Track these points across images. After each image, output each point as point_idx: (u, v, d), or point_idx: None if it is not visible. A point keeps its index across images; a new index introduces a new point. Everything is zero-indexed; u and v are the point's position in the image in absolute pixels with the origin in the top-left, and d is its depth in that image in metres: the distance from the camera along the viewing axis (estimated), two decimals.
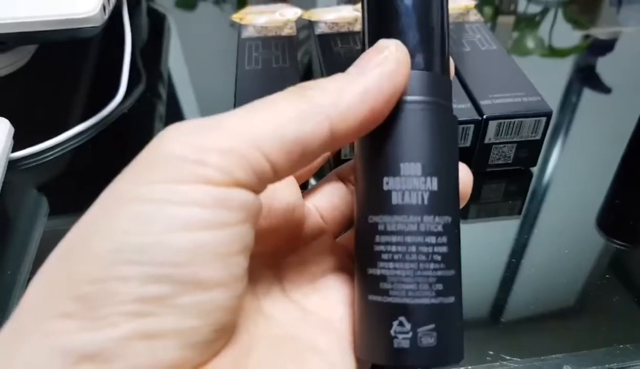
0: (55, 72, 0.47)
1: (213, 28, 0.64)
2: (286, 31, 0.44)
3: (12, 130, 0.38)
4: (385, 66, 0.17)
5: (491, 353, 0.29)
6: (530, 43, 0.70)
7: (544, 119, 0.36)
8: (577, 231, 0.36)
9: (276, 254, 0.21)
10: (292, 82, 0.40)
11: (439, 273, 0.18)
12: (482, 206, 0.38)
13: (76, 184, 0.40)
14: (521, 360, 0.29)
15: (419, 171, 0.18)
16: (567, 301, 0.33)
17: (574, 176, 0.40)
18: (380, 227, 0.18)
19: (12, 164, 0.39)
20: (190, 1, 0.70)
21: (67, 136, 0.41)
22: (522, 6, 0.72)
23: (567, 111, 0.48)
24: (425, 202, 0.18)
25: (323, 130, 0.16)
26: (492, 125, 0.36)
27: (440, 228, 0.18)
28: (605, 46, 0.67)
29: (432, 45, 0.18)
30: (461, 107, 0.36)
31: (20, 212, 0.38)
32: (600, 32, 0.68)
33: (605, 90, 0.58)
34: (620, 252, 0.35)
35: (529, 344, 0.30)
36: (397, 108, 0.18)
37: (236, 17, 0.47)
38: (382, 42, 0.17)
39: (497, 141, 0.36)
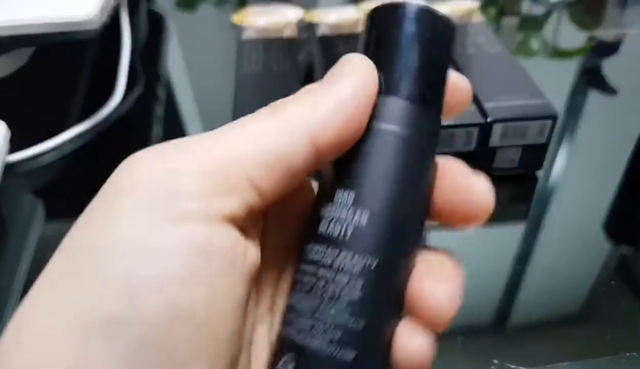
0: (52, 73, 0.46)
1: (213, 29, 0.64)
2: (287, 33, 0.44)
3: (9, 133, 0.38)
4: (355, 75, 0.16)
5: (496, 361, 0.28)
6: (534, 44, 0.69)
7: (549, 122, 0.35)
8: (584, 236, 0.36)
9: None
10: (293, 85, 0.39)
11: (341, 320, 0.15)
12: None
13: (73, 188, 0.40)
14: None
15: (350, 201, 0.16)
16: (572, 308, 0.32)
17: (580, 180, 0.40)
18: (304, 254, 0.17)
19: (8, 168, 0.38)
20: (191, 1, 0.69)
21: (63, 139, 0.41)
22: (526, 7, 0.72)
23: (573, 112, 0.47)
24: (347, 236, 0.16)
25: (304, 142, 0.15)
26: (497, 128, 0.35)
27: (357, 269, 0.16)
28: (610, 48, 0.66)
29: (424, 77, 0.17)
30: (465, 110, 0.35)
31: (17, 216, 0.38)
32: (605, 33, 0.67)
33: (611, 91, 0.58)
34: (627, 258, 0.34)
35: (533, 353, 0.29)
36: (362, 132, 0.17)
37: (237, 18, 0.46)
38: (348, 55, 0.17)
39: (503, 145, 0.36)
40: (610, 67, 0.58)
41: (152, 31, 0.62)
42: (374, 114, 0.17)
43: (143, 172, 0.14)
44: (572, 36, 0.65)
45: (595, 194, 0.38)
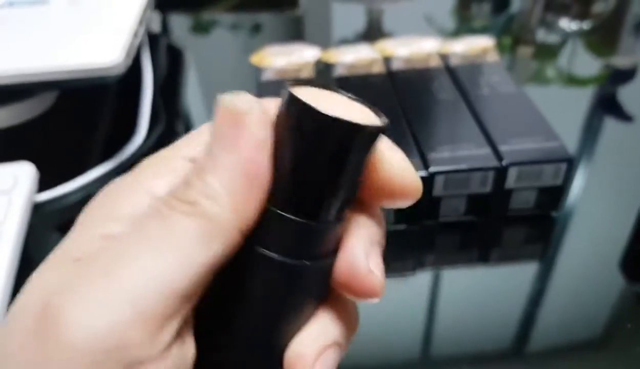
0: (77, 114, 0.48)
1: (228, 56, 0.65)
2: (304, 74, 0.45)
3: (37, 174, 0.39)
4: (252, 136, 0.15)
5: None
6: (550, 72, 0.70)
7: (564, 165, 0.35)
8: (599, 276, 0.36)
9: None
10: None
11: None
12: (503, 250, 0.38)
13: None
14: None
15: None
16: (587, 348, 0.32)
17: (596, 217, 0.40)
18: None
19: (36, 207, 0.40)
20: (204, 25, 0.71)
21: (89, 178, 0.42)
22: (540, 36, 0.72)
23: (589, 143, 0.48)
24: None
25: (231, 235, 0.15)
26: (513, 171, 0.35)
27: None
28: (626, 75, 0.67)
29: (313, 189, 0.16)
30: (481, 153, 0.36)
31: (45, 254, 0.39)
32: (620, 61, 0.68)
33: (628, 118, 0.58)
34: None
35: None
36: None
37: (255, 59, 0.48)
38: (230, 105, 0.16)
39: (518, 187, 0.36)
40: (626, 94, 0.58)
41: (171, 65, 0.63)
42: (256, 232, 0.16)
43: (78, 325, 0.14)
44: (587, 64, 0.65)
45: (612, 232, 0.38)
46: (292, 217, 0.16)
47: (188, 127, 0.54)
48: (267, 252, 0.16)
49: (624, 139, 0.51)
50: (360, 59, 0.46)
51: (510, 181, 0.36)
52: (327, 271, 0.17)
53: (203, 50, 0.67)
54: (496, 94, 0.41)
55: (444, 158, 0.36)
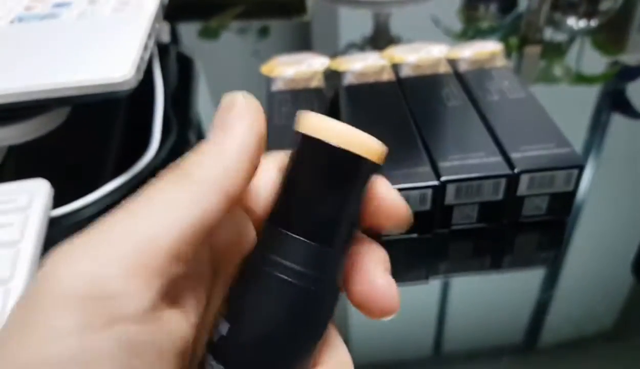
0: (90, 128, 0.48)
1: (237, 63, 0.65)
2: (314, 83, 0.45)
3: (52, 191, 0.39)
4: (244, 120, 0.17)
5: None
6: (557, 71, 0.69)
7: (576, 171, 0.35)
8: (612, 279, 0.36)
9: None
10: None
11: None
12: (515, 256, 0.38)
13: None
14: None
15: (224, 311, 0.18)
16: (601, 354, 0.32)
17: (607, 219, 0.40)
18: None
19: (52, 222, 0.40)
20: (213, 30, 0.71)
21: (104, 192, 0.42)
22: (548, 35, 0.72)
23: (597, 142, 0.48)
24: (214, 340, 0.17)
25: (220, 200, 0.16)
26: (524, 178, 0.35)
27: None
28: (634, 72, 0.67)
29: (321, 215, 0.17)
30: (492, 161, 0.36)
31: None
32: (628, 58, 0.67)
33: (637, 115, 0.58)
34: None
35: None
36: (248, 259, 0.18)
37: (265, 69, 0.48)
38: (229, 98, 0.18)
39: (530, 194, 0.36)
40: (634, 91, 0.58)
41: (182, 74, 0.64)
42: (266, 248, 0.17)
43: (67, 275, 0.14)
44: (594, 62, 0.65)
45: (624, 235, 0.38)
46: (301, 238, 0.17)
47: (200, 136, 0.54)
48: (274, 271, 0.17)
49: (632, 137, 0.51)
50: (369, 67, 0.46)
51: (522, 188, 0.36)
52: (331, 295, 0.18)
53: (212, 59, 0.67)
54: (506, 99, 0.41)
55: (455, 166, 0.36)
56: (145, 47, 0.44)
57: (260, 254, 0.17)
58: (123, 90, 0.40)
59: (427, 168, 0.36)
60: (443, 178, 0.35)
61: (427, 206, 0.36)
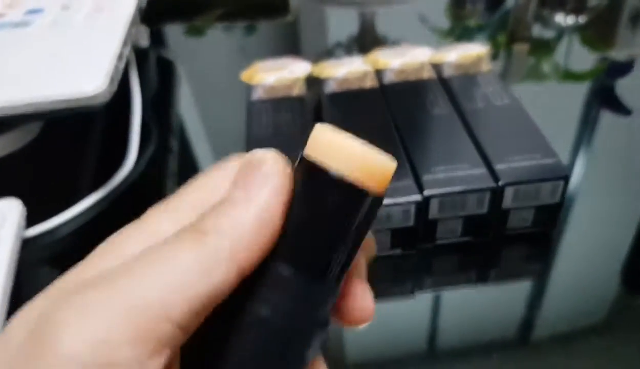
0: (64, 142, 0.47)
1: (222, 64, 0.64)
2: (296, 91, 0.44)
3: (24, 210, 0.38)
4: (269, 184, 0.16)
5: None
6: (546, 68, 0.69)
7: (561, 182, 0.35)
8: (600, 288, 0.35)
9: None
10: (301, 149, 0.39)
11: None
12: (501, 270, 0.38)
13: None
14: None
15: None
16: (590, 364, 0.32)
17: (596, 224, 0.39)
18: None
19: (26, 243, 0.39)
20: (199, 28, 0.70)
21: (80, 209, 0.41)
22: (536, 31, 0.71)
23: (586, 140, 0.47)
24: None
25: (231, 274, 0.15)
26: (509, 191, 0.35)
27: None
28: (623, 68, 0.66)
29: (317, 247, 0.16)
30: (476, 173, 0.35)
31: (36, 290, 0.38)
32: (617, 54, 0.67)
33: (626, 111, 0.57)
34: None
35: None
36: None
37: (245, 76, 0.47)
38: (259, 155, 0.17)
39: (515, 206, 0.35)
40: (623, 88, 0.57)
41: (162, 78, 0.62)
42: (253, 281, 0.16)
43: (71, 338, 0.13)
44: (583, 59, 0.64)
45: (612, 243, 0.38)
46: (294, 274, 0.16)
47: (183, 142, 0.53)
48: (264, 311, 0.16)
49: (621, 134, 0.50)
50: (352, 73, 0.45)
51: (507, 200, 0.35)
52: (321, 330, 0.17)
53: (195, 60, 0.66)
54: (491, 107, 0.40)
55: (438, 180, 0.35)
56: (120, 56, 0.42)
57: (246, 289, 0.16)
58: (96, 104, 0.38)
59: (410, 181, 0.35)
60: (426, 192, 0.34)
61: (411, 222, 0.35)
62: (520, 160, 0.36)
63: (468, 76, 0.44)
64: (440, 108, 0.41)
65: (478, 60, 0.45)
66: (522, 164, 0.35)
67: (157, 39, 0.65)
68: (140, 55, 0.58)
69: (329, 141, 0.16)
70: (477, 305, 0.35)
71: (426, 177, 0.35)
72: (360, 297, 0.18)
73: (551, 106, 0.58)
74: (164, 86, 0.61)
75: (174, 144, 0.54)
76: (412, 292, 0.36)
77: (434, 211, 0.35)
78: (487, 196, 0.35)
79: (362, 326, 0.19)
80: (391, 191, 0.34)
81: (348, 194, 0.16)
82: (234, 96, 0.54)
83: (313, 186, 0.16)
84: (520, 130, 0.38)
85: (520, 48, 0.71)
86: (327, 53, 0.66)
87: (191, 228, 0.16)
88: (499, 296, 0.36)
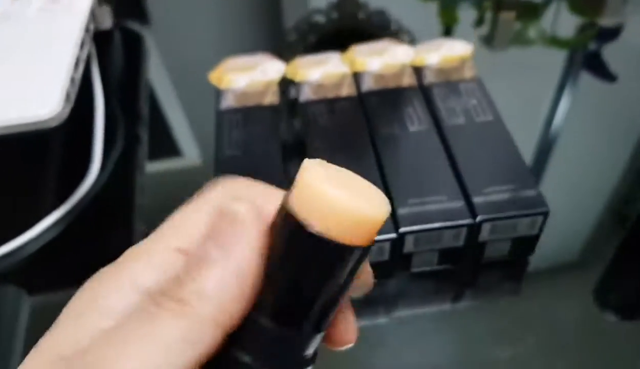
0: (20, 158, 0.44)
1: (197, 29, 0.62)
2: (268, 98, 0.41)
3: None
4: (245, 240, 0.16)
5: None
6: (532, 33, 0.67)
7: (540, 217, 0.34)
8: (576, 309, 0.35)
9: None
10: (275, 167, 0.37)
11: None
12: (477, 293, 0.37)
13: (58, 275, 0.39)
14: None
15: None
16: None
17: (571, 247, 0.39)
18: None
19: None
20: None
21: (43, 227, 0.40)
22: None
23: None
24: None
25: (217, 338, 0.15)
26: (486, 226, 0.34)
27: None
28: (610, 33, 0.65)
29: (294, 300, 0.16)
30: (453, 207, 0.34)
31: (3, 317, 0.38)
32: (605, 21, 0.66)
33: (611, 78, 0.57)
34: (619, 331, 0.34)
35: None
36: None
37: (214, 77, 0.44)
38: (233, 208, 0.16)
39: (492, 239, 0.35)
40: (609, 54, 0.58)
41: (129, 59, 0.59)
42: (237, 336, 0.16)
43: None
44: (570, 25, 0.63)
45: (587, 264, 0.38)
46: (275, 326, 0.16)
47: (155, 128, 0.51)
48: (246, 358, 0.16)
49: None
50: (328, 76, 0.43)
51: (484, 234, 0.34)
52: None
53: (169, 25, 0.63)
54: (472, 123, 0.38)
55: (414, 214, 0.34)
56: (77, 64, 0.39)
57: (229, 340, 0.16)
58: (52, 125, 0.36)
59: None
60: (401, 230, 0.33)
61: (386, 256, 0.34)
62: (499, 192, 0.34)
63: (450, 84, 0.41)
64: (420, 124, 0.39)
65: (461, 64, 0.43)
66: (500, 196, 0.34)
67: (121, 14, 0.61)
68: (103, 38, 0.54)
69: (315, 193, 0.15)
70: (450, 327, 0.35)
71: (402, 211, 0.34)
72: (344, 323, 0.18)
73: (536, 70, 0.57)
74: (131, 68, 0.58)
75: (144, 133, 0.51)
76: (385, 315, 0.36)
77: (409, 246, 0.34)
78: (464, 231, 0.34)
79: (345, 348, 0.19)
80: None
81: (333, 252, 0.15)
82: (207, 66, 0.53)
83: (296, 241, 0.15)
84: (501, 154, 0.37)
85: (507, 16, 0.69)
86: (305, 20, 0.63)
87: (170, 297, 0.16)
88: (475, 317, 0.36)
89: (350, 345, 0.19)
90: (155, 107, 0.54)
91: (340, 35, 0.59)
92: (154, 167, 0.49)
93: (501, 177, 0.35)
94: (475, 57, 0.44)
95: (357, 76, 0.43)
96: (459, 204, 0.34)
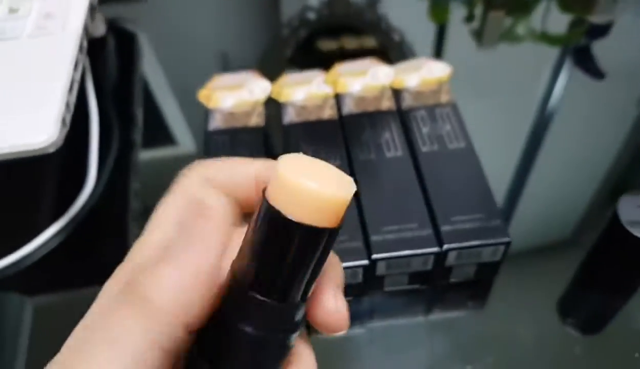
0: (17, 171, 0.46)
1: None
2: (254, 120, 0.44)
3: None
4: (211, 234, 0.18)
5: None
6: (521, 30, 0.68)
7: (502, 246, 0.36)
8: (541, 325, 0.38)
9: None
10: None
11: None
12: (445, 309, 0.40)
13: (60, 285, 0.42)
14: None
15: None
16: None
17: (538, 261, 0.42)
18: None
19: None
20: None
21: (43, 239, 0.42)
22: None
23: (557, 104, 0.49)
24: None
25: (179, 334, 0.17)
26: (452, 254, 0.36)
27: None
28: (599, 30, 0.66)
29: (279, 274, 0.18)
30: (423, 235, 0.37)
31: (7, 323, 0.40)
32: (595, 19, 0.67)
33: (599, 75, 0.59)
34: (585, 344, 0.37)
35: None
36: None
37: (203, 95, 0.46)
38: (203, 202, 0.18)
39: (458, 264, 0.37)
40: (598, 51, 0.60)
41: (122, 60, 0.60)
42: (234, 308, 0.18)
43: None
44: (560, 23, 0.65)
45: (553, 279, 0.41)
46: (267, 299, 0.18)
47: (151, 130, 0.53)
48: (248, 329, 0.18)
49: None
50: (311, 98, 0.45)
51: (451, 260, 0.37)
52: (294, 338, 0.20)
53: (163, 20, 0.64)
54: (445, 150, 0.41)
55: (387, 242, 0.36)
56: (71, 87, 0.41)
57: (229, 314, 0.19)
58: (48, 151, 0.38)
59: (359, 243, 0.36)
60: (374, 256, 0.36)
61: (359, 279, 0.37)
62: (465, 221, 0.37)
63: (427, 109, 0.44)
64: (396, 150, 0.41)
65: (439, 87, 0.45)
66: (467, 225, 0.37)
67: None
68: (96, 44, 0.56)
69: (289, 185, 0.17)
70: (419, 343, 0.38)
71: (375, 238, 0.37)
72: (334, 307, 0.20)
73: (525, 67, 0.59)
74: (125, 70, 0.59)
75: (138, 136, 0.53)
76: (360, 327, 0.39)
77: (381, 270, 0.37)
78: (432, 258, 0.37)
79: (339, 333, 0.20)
80: (341, 253, 0.36)
81: (308, 235, 0.18)
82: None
83: (275, 227, 0.18)
84: (470, 182, 0.39)
85: (496, 15, 0.70)
86: (298, 17, 0.65)
87: (133, 293, 0.17)
88: (443, 333, 0.39)
89: (343, 331, 0.20)
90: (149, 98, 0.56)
91: (330, 32, 0.61)
92: (148, 154, 0.52)
93: (468, 206, 0.38)
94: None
95: (338, 98, 0.45)
96: (428, 232, 0.37)
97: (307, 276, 0.19)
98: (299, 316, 0.20)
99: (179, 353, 0.17)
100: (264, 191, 0.18)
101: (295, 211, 0.17)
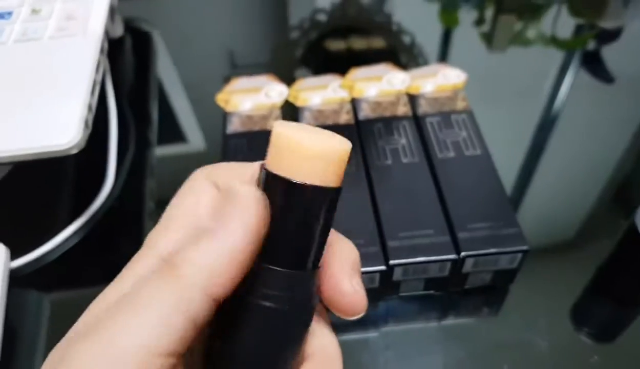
0: (39, 171, 0.47)
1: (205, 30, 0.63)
2: (271, 124, 0.44)
3: (8, 252, 0.40)
4: (243, 218, 0.18)
5: None
6: (531, 34, 0.69)
7: (520, 254, 0.37)
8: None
9: None
10: None
11: None
12: (460, 316, 0.41)
13: (77, 282, 0.43)
14: None
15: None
16: None
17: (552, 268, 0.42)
18: None
19: (12, 273, 0.41)
20: None
21: (62, 238, 0.43)
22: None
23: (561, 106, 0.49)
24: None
25: (206, 305, 0.17)
26: (469, 261, 0.37)
27: None
28: (610, 35, 0.66)
29: (296, 244, 0.19)
30: (440, 241, 0.37)
31: (26, 320, 0.41)
32: (606, 24, 0.67)
33: (609, 79, 0.59)
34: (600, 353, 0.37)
35: None
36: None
37: (221, 99, 0.46)
38: (234, 189, 0.18)
39: (475, 271, 0.38)
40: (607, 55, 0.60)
41: (139, 59, 0.61)
42: (250, 284, 0.18)
43: None
44: (571, 27, 0.65)
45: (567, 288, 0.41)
46: (281, 269, 0.18)
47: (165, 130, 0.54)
48: (261, 302, 0.18)
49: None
50: (327, 102, 0.45)
51: (467, 267, 0.37)
52: (312, 308, 0.20)
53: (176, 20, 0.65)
54: (462, 157, 0.41)
55: (403, 248, 0.37)
56: (93, 89, 0.42)
57: (240, 289, 0.19)
58: (71, 153, 0.39)
59: (376, 248, 0.37)
60: (391, 262, 0.36)
61: (376, 284, 0.37)
62: (482, 228, 0.37)
63: (443, 115, 0.44)
64: (412, 156, 0.41)
65: (454, 93, 0.45)
66: (484, 233, 0.37)
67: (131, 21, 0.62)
68: (114, 45, 0.56)
69: (287, 149, 0.18)
70: (433, 348, 0.38)
71: (392, 244, 0.37)
72: (350, 288, 0.20)
73: (535, 71, 0.59)
74: (141, 70, 0.60)
75: (153, 135, 0.54)
76: (375, 332, 0.40)
77: (397, 275, 0.37)
78: (449, 265, 0.37)
79: (357, 316, 0.20)
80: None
81: (313, 195, 0.18)
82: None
83: (282, 195, 0.18)
84: (487, 190, 0.39)
85: (507, 20, 0.70)
86: (309, 19, 0.65)
87: (167, 261, 0.18)
88: (458, 339, 0.39)
89: (361, 313, 0.20)
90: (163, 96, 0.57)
91: (341, 33, 0.61)
92: (162, 151, 0.53)
93: (485, 213, 0.38)
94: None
95: (355, 102, 0.46)
96: (445, 238, 0.37)
97: (316, 240, 0.19)
98: (312, 285, 0.20)
99: (205, 328, 0.18)
100: (262, 166, 0.18)
101: (296, 172, 0.17)
